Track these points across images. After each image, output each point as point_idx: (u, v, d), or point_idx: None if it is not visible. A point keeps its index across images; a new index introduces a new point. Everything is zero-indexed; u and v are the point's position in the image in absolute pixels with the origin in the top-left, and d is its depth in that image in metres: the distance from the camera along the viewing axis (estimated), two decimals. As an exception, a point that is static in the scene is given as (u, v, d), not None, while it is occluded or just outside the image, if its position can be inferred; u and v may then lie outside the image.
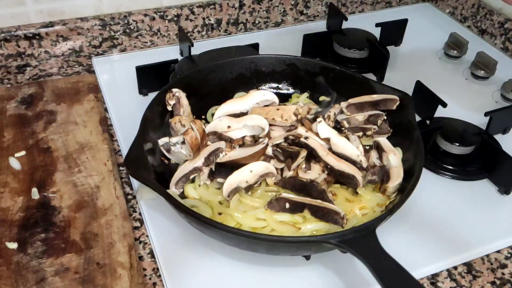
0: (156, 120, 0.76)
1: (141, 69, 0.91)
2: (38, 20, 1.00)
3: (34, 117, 0.84)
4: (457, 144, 0.81)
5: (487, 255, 0.70)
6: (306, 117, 0.78)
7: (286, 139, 0.73)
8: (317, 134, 0.74)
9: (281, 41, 1.09)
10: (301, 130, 0.74)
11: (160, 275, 0.65)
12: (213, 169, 0.70)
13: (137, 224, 0.72)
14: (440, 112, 0.86)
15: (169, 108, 0.77)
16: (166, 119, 0.77)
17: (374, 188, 0.71)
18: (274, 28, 1.17)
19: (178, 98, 0.77)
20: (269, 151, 0.71)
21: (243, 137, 0.74)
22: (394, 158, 0.72)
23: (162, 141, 0.71)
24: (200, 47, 0.96)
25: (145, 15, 1.05)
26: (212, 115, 0.80)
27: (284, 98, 0.87)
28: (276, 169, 0.70)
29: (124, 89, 0.94)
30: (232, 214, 0.66)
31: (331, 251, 0.62)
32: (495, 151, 0.80)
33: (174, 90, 0.77)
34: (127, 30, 1.05)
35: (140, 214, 0.73)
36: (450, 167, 0.81)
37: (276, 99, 0.81)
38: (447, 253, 0.69)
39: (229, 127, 0.74)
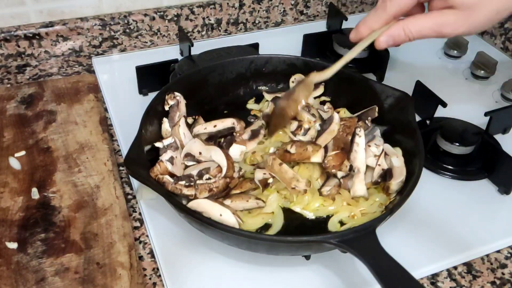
0: (156, 120, 0.76)
1: (141, 69, 0.91)
2: (38, 20, 1.00)
3: (34, 117, 0.84)
4: (457, 144, 0.81)
5: (487, 255, 0.70)
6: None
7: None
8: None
9: (281, 41, 1.09)
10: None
11: (160, 275, 0.65)
12: None
13: (137, 224, 0.72)
14: (440, 112, 0.86)
15: (166, 107, 0.77)
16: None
17: (377, 187, 0.71)
18: (274, 28, 1.17)
19: (178, 101, 0.77)
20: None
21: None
22: (396, 160, 0.72)
23: (158, 145, 0.71)
24: (200, 47, 0.96)
25: (145, 15, 1.05)
26: None
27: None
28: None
29: (124, 89, 0.94)
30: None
31: (331, 251, 0.62)
32: (495, 151, 0.80)
33: (176, 93, 0.77)
34: (127, 30, 1.05)
35: (140, 214, 0.73)
36: (450, 167, 0.81)
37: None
38: (447, 253, 0.69)
39: (200, 153, 0.71)
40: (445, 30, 0.60)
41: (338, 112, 0.81)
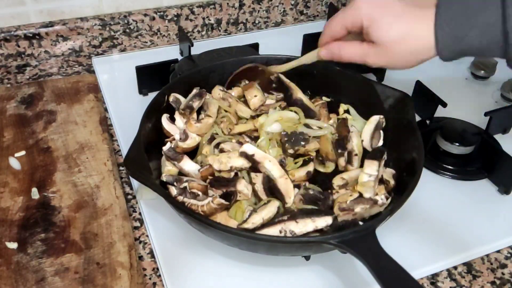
0: (156, 120, 0.76)
1: (141, 69, 0.91)
2: (38, 20, 1.00)
3: (34, 117, 0.84)
4: (457, 144, 0.81)
5: (487, 255, 0.70)
6: None
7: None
8: None
9: (281, 41, 1.09)
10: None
11: (160, 275, 0.65)
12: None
13: (137, 224, 0.72)
14: (440, 112, 0.86)
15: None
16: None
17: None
18: (274, 28, 1.17)
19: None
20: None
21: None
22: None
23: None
24: (200, 47, 0.96)
25: (145, 15, 1.05)
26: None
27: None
28: None
29: (124, 89, 0.94)
30: None
31: (331, 251, 0.62)
32: (495, 151, 0.80)
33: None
34: (127, 30, 1.05)
35: (140, 214, 0.73)
36: (450, 167, 0.81)
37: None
38: (447, 253, 0.69)
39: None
40: (368, 60, 0.66)
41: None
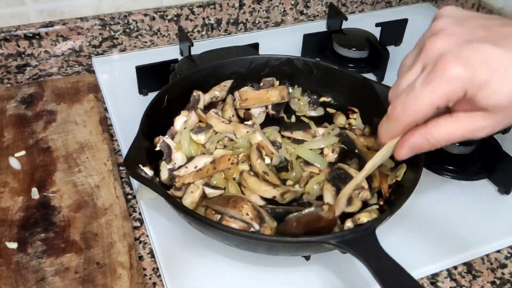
0: (156, 120, 0.76)
1: (141, 69, 0.91)
2: (38, 20, 1.00)
3: (34, 117, 0.84)
4: (457, 144, 0.81)
5: (487, 255, 0.70)
6: None
7: None
8: None
9: (281, 41, 1.09)
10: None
11: (160, 275, 0.65)
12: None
13: (137, 224, 0.72)
14: (440, 112, 0.86)
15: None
16: (166, 119, 0.78)
17: None
18: (274, 28, 1.17)
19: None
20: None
21: None
22: None
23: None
24: (200, 47, 0.96)
25: (145, 15, 1.05)
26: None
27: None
28: None
29: (124, 89, 0.94)
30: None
31: (331, 251, 0.62)
32: (495, 151, 0.80)
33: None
34: (127, 30, 1.05)
35: (140, 214, 0.73)
36: (450, 167, 0.81)
37: None
38: (447, 253, 0.69)
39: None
40: (479, 134, 0.53)
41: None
